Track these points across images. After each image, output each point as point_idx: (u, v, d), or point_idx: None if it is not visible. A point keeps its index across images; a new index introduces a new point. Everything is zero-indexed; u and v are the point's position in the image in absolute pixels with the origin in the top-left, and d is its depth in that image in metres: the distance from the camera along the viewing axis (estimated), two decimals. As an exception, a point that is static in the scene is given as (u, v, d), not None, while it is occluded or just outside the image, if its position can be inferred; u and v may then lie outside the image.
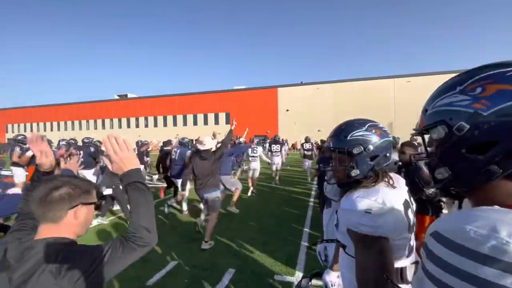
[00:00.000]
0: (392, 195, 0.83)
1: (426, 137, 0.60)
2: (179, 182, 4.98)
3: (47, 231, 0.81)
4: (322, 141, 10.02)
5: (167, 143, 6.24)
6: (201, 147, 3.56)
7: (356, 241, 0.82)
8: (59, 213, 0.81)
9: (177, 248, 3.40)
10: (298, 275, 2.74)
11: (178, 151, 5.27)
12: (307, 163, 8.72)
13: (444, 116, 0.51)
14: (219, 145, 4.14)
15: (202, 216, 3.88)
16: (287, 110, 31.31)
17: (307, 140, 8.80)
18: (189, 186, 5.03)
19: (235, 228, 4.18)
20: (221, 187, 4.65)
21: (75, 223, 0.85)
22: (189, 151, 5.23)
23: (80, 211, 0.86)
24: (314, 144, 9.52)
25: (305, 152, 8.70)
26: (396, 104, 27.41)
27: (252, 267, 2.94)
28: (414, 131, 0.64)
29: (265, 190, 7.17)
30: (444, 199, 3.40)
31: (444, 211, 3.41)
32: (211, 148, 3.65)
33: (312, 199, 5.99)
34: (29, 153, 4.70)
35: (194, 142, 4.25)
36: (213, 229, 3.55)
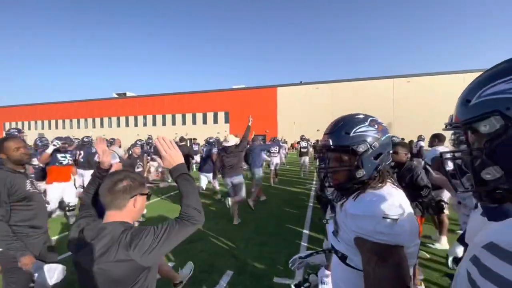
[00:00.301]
0: (403, 197, 0.75)
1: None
2: (209, 176, 5.89)
3: (113, 216, 1.00)
4: (317, 141, 10.15)
5: (182, 139, 7.02)
6: (225, 144, 4.46)
7: (368, 251, 0.71)
8: (123, 201, 1.00)
9: (174, 249, 3.31)
10: (298, 277, 2.69)
11: (205, 149, 5.99)
12: (304, 160, 9.36)
13: (499, 105, 0.43)
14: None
15: (230, 200, 4.37)
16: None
17: (302, 138, 9.40)
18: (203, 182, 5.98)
19: (234, 229, 4.12)
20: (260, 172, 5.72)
21: (134, 210, 1.03)
22: (215, 149, 5.83)
23: (138, 200, 1.04)
24: (310, 142, 10.23)
25: (302, 149, 9.31)
26: (396, 104, 27.37)
27: (251, 268, 2.89)
28: (447, 126, 0.55)
29: (265, 190, 7.10)
30: (446, 200, 3.35)
31: (446, 211, 3.37)
32: (234, 144, 4.55)
33: (311, 200, 5.95)
34: (49, 150, 3.98)
35: (220, 140, 5.03)
36: (238, 206, 4.43)
